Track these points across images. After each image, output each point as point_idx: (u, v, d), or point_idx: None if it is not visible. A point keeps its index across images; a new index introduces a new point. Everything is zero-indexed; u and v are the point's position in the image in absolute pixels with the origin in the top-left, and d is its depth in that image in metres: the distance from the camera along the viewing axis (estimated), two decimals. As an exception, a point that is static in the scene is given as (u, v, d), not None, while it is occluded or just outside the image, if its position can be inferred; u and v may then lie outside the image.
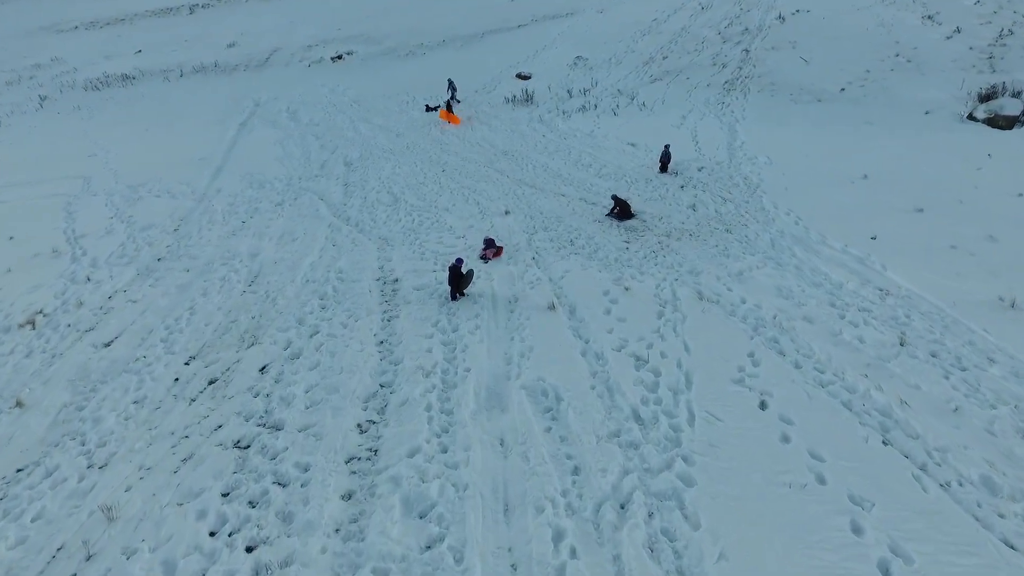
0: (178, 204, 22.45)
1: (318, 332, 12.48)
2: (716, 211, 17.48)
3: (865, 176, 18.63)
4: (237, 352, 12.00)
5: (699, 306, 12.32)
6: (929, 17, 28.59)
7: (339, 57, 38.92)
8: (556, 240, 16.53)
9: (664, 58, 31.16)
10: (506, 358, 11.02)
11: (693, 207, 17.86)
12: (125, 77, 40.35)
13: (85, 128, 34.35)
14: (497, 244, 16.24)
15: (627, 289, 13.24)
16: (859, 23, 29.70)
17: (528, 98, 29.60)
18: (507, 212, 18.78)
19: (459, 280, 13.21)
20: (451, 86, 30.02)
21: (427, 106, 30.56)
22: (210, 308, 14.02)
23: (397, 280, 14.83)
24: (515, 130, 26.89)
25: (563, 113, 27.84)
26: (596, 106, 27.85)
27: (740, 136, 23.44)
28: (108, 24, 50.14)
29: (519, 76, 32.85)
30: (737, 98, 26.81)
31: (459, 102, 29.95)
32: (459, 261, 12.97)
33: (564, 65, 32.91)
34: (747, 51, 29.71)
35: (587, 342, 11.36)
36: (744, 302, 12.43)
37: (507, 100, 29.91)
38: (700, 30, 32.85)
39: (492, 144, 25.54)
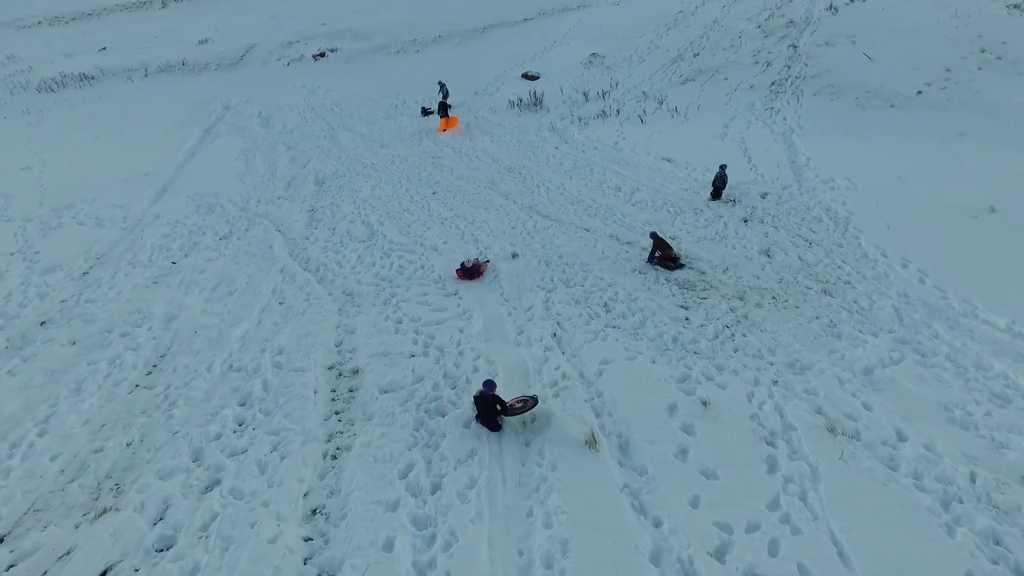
0: (102, 235, 17.70)
1: (218, 483, 7.70)
2: (800, 259, 12.66)
3: (992, 209, 13.81)
4: (77, 526, 7.22)
5: (831, 445, 7.52)
6: (1015, 6, 23.75)
7: (321, 55, 34.12)
8: (584, 302, 11.74)
9: (695, 55, 26.34)
10: (522, 567, 6.22)
11: (767, 253, 13.04)
12: (84, 77, 35.58)
13: (29, 135, 29.64)
14: (477, 261, 13.49)
15: (705, 405, 8.44)
16: (928, 14, 24.86)
17: (537, 102, 24.81)
18: (515, 255, 14.00)
19: (494, 410, 8.27)
20: (442, 89, 25.15)
21: (423, 109, 25.68)
22: (72, 421, 9.24)
23: (357, 372, 10.05)
24: (522, 141, 22.08)
25: (579, 120, 23.04)
26: (618, 111, 23.03)
27: (802, 150, 18.62)
28: (74, 19, 45.27)
29: (526, 76, 28.05)
30: (789, 102, 21.99)
31: (450, 107, 25.15)
32: (489, 386, 8.10)
33: (578, 63, 28.08)
34: (795, 47, 24.90)
35: (659, 527, 6.58)
36: (903, 438, 7.63)
37: (512, 104, 25.13)
38: (735, 23, 28.03)
39: (495, 158, 20.73)
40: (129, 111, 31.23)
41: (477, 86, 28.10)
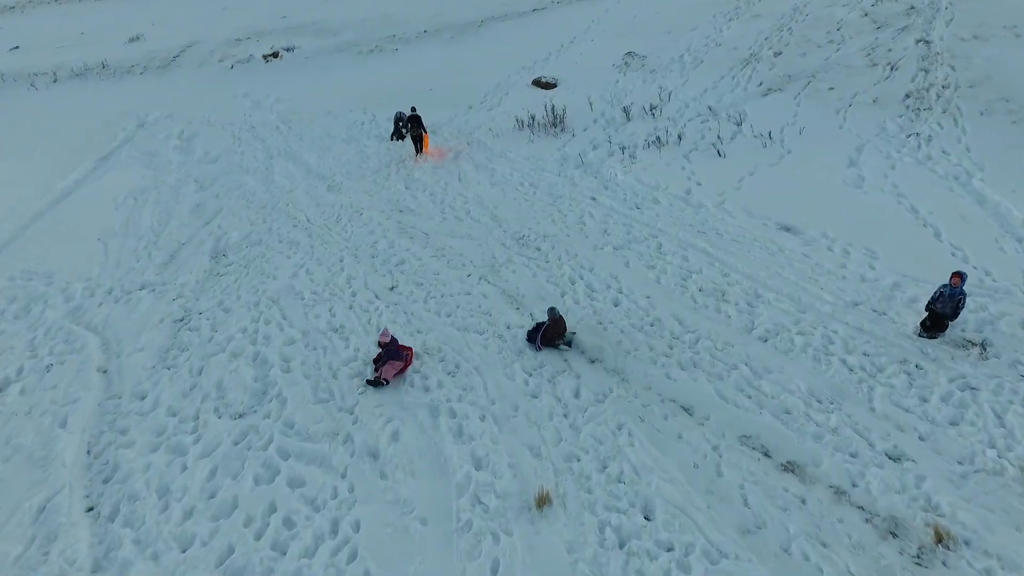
0: None
1: None
2: None
3: None
4: None
5: None
6: None
7: (274, 55, 26.08)
8: None
9: (776, 55, 18.42)
10: None
11: None
12: (-23, 83, 27.63)
13: None
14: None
15: None
16: (1117, -6, 16.95)
17: (557, 120, 16.85)
18: (543, 500, 6.02)
19: None
20: (400, 121, 16.88)
21: (399, 124, 17.28)
22: None
23: None
24: (538, 184, 14.14)
25: (621, 150, 15.05)
26: (680, 137, 15.06)
27: (1015, 213, 10.68)
28: (-7, 13, 37.31)
29: (538, 83, 20.07)
30: (942, 125, 14.05)
31: (399, 139, 17.26)
32: None
33: (609, 66, 20.10)
34: (927, 42, 17.00)
35: None
36: None
37: (521, 123, 17.15)
38: (827, 10, 20.05)
39: (496, 216, 12.79)
40: (17, 130, 23.25)
41: (472, 97, 20.12)
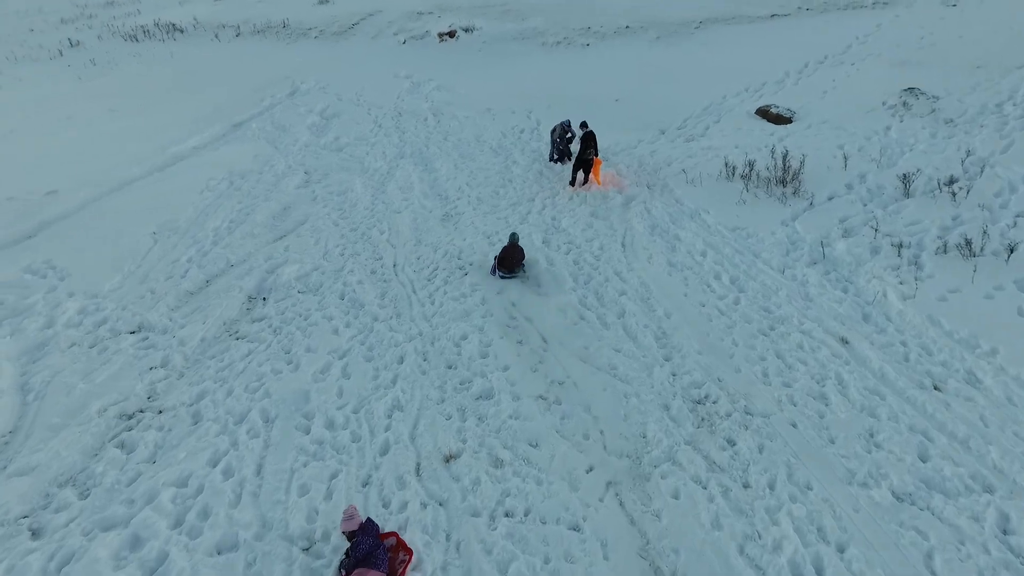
0: None
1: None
2: None
3: None
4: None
5: None
6: None
7: (450, 34, 22.43)
8: None
9: None
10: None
11: None
12: (173, 29, 27.18)
13: (55, 93, 21.42)
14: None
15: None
16: None
17: (787, 176, 10.97)
18: None
19: None
20: (563, 133, 12.41)
21: (562, 141, 12.93)
22: None
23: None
24: (743, 282, 8.58)
25: (896, 249, 8.93)
26: (1011, 249, 8.57)
27: None
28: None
29: (765, 114, 14.10)
30: None
31: (565, 159, 12.53)
32: None
33: (877, 104, 13.49)
34: None
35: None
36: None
37: (729, 170, 11.48)
38: None
39: (663, 330, 7.57)
40: (186, 79, 21.95)
41: (668, 118, 14.71)
